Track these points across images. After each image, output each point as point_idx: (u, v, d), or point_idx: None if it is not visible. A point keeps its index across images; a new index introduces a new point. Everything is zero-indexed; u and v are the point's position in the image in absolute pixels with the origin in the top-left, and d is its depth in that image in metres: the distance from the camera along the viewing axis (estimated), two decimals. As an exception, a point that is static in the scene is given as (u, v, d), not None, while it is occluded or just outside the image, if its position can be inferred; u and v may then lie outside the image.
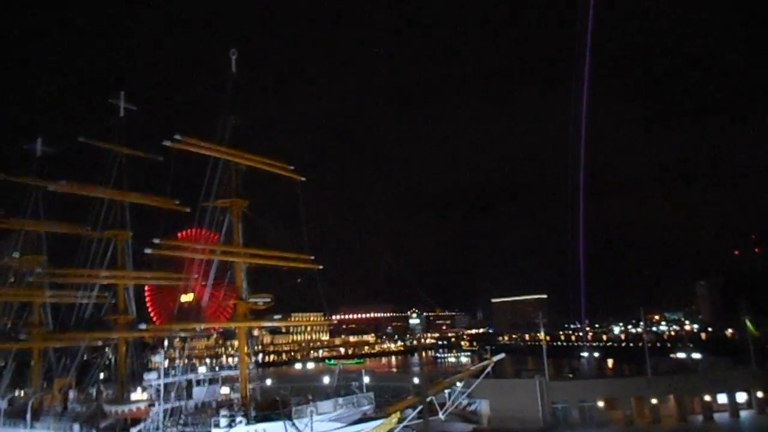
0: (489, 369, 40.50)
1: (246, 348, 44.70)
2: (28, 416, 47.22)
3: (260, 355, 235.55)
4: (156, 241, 40.16)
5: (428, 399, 36.60)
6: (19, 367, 66.34)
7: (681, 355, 68.29)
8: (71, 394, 51.46)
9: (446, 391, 66.99)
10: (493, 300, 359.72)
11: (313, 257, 49.31)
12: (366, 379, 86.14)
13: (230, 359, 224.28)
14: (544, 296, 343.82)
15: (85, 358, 51.86)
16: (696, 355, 66.12)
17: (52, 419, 46.61)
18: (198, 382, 44.54)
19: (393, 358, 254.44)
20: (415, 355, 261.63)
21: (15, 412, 50.42)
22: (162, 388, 41.48)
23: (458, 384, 66.42)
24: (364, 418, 36.44)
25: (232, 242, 45.43)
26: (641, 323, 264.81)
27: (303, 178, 49.66)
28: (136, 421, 42.29)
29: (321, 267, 49.50)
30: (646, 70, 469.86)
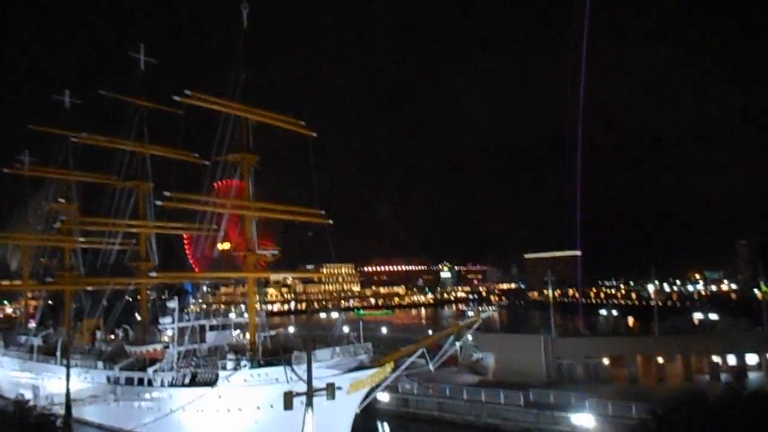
0: (478, 324, 41.00)
1: (256, 297, 46.75)
2: (58, 353, 51.11)
3: (292, 303, 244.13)
4: (166, 193, 41.71)
5: (420, 351, 37.75)
6: (55, 308, 71.19)
7: (699, 315, 67.55)
8: (98, 334, 55.25)
9: (457, 343, 69.05)
10: (527, 255, 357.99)
11: (323, 211, 50.43)
12: (384, 330, 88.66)
13: (265, 306, 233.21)
14: (578, 253, 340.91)
15: (108, 302, 55.00)
16: (713, 316, 65.33)
17: (80, 356, 50.38)
18: (211, 327, 47.03)
19: (423, 309, 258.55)
20: (445, 307, 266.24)
21: (48, 349, 54.51)
22: (176, 332, 44.20)
23: (469, 337, 68.16)
24: (360, 367, 37.96)
25: (242, 196, 46.86)
26: (677, 281, 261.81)
27: (314, 134, 50.05)
28: (153, 361, 45.37)
29: (331, 221, 50.52)
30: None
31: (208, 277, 47.82)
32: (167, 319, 45.08)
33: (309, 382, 23.27)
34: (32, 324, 66.36)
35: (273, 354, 41.41)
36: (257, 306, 47.63)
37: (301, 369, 37.39)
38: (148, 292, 58.32)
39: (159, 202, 41.76)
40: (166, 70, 64.67)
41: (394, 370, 37.92)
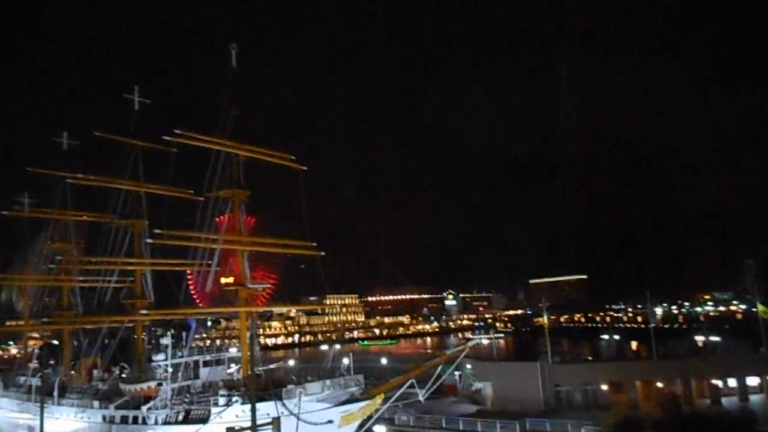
0: (464, 353, 40.78)
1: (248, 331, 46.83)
2: (55, 393, 51.08)
3: (296, 336, 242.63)
4: (157, 231, 42.37)
5: (409, 381, 37.64)
6: (55, 348, 71.32)
7: (700, 338, 66.94)
8: (95, 373, 55.22)
9: (456, 373, 68.41)
10: (531, 281, 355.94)
11: (314, 243, 50.94)
12: (384, 360, 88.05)
13: (267, 340, 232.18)
14: (584, 277, 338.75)
15: (106, 340, 55.18)
16: (715, 338, 64.69)
17: (76, 395, 50.33)
18: (205, 363, 47.06)
19: (428, 338, 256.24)
20: (451, 336, 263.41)
21: (45, 389, 54.40)
22: (169, 369, 44.25)
23: (468, 366, 67.64)
24: (351, 399, 37.90)
25: (228, 232, 47.41)
26: (686, 303, 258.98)
27: (304, 168, 50.94)
28: (148, 399, 45.29)
29: (323, 253, 51.01)
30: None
31: (201, 313, 48.09)
32: (160, 356, 45.20)
33: (253, 416, 23.42)
34: (35, 364, 66.31)
35: (265, 388, 41.37)
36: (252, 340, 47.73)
37: (292, 403, 37.48)
38: (153, 329, 58.58)
39: (150, 240, 42.29)
40: (161, 110, 66.04)
41: (384, 402, 37.81)
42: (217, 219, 56.01)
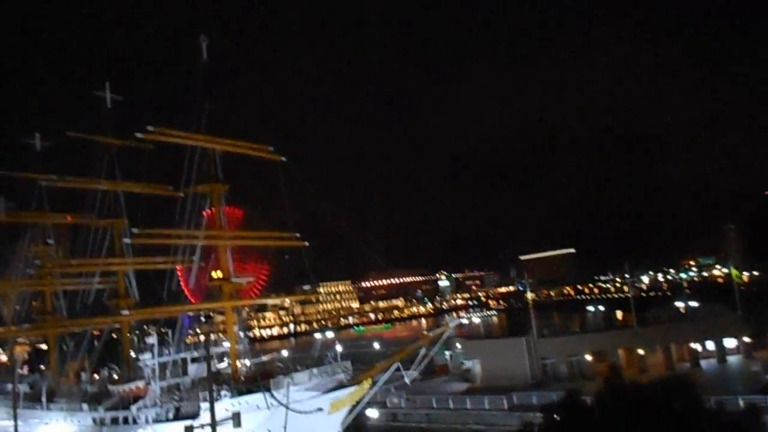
0: (446, 334, 41.21)
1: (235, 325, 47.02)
2: (44, 398, 50.98)
3: (291, 325, 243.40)
4: (134, 230, 42.12)
5: (395, 365, 38.09)
6: (40, 353, 71.01)
7: (680, 303, 68.28)
8: (83, 376, 55.13)
9: (447, 352, 69.24)
10: (522, 257, 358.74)
11: (297, 234, 50.96)
12: (376, 345, 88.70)
13: (263, 331, 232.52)
14: (572, 251, 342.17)
15: (89, 342, 55.05)
16: (693, 303, 66.02)
17: (65, 400, 50.28)
18: (193, 360, 47.13)
19: (423, 320, 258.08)
20: (446, 316, 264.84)
21: (34, 395, 54.33)
22: (156, 367, 44.32)
23: (458, 345, 68.46)
24: (339, 386, 38.30)
25: (215, 227, 47.28)
26: (672, 270, 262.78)
27: (283, 159, 50.69)
28: (137, 399, 45.39)
29: (307, 243, 51.09)
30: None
31: (186, 310, 48.00)
32: (147, 355, 45.18)
33: (212, 414, 23.71)
34: (25, 370, 65.90)
35: (253, 381, 41.62)
36: (240, 333, 48.00)
37: (281, 393, 37.82)
38: (146, 326, 58.33)
39: (127, 240, 42.08)
40: (135, 106, 65.13)
41: (372, 387, 38.26)
42: (205, 213, 55.88)
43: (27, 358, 75.07)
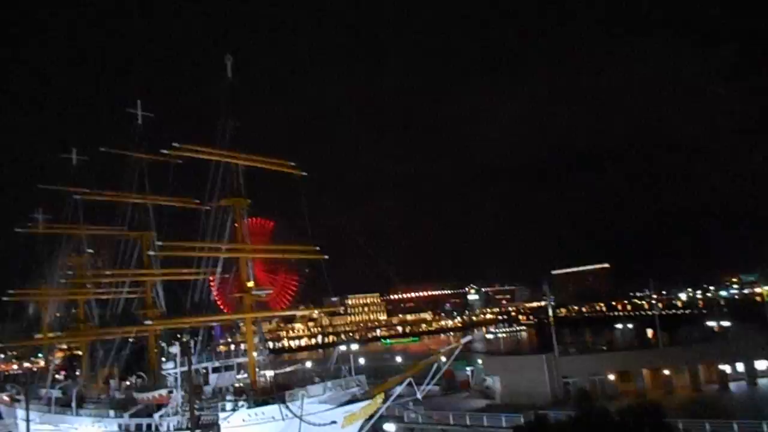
0: (458, 350, 40.97)
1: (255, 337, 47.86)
2: (74, 404, 52.80)
3: (320, 337, 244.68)
4: (159, 243, 43.53)
5: (407, 380, 38.13)
6: (76, 359, 73.48)
7: (712, 322, 66.11)
8: (112, 383, 56.91)
9: (468, 368, 68.77)
10: (554, 272, 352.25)
11: (318, 248, 51.70)
12: (398, 359, 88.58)
13: (291, 342, 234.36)
14: (607, 265, 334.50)
15: (118, 350, 56.82)
16: (725, 323, 63.86)
17: (93, 406, 52.00)
18: (214, 369, 48.17)
19: (451, 334, 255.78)
20: (474, 330, 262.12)
21: (65, 400, 56.27)
22: (179, 376, 45.46)
23: (479, 361, 67.94)
24: (352, 400, 38.56)
25: (237, 239, 48.43)
26: (711, 287, 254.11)
27: (304, 174, 51.71)
28: (160, 406, 46.63)
29: (326, 257, 51.73)
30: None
31: (207, 321, 49.13)
32: (169, 365, 46.42)
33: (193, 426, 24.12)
34: (61, 375, 68.15)
35: (270, 392, 42.28)
36: (260, 345, 48.84)
37: (296, 405, 38.35)
38: (179, 335, 59.89)
39: (152, 253, 43.51)
40: (164, 122, 67.39)
41: (385, 401, 38.41)
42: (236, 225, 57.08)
43: (63, 364, 77.67)
